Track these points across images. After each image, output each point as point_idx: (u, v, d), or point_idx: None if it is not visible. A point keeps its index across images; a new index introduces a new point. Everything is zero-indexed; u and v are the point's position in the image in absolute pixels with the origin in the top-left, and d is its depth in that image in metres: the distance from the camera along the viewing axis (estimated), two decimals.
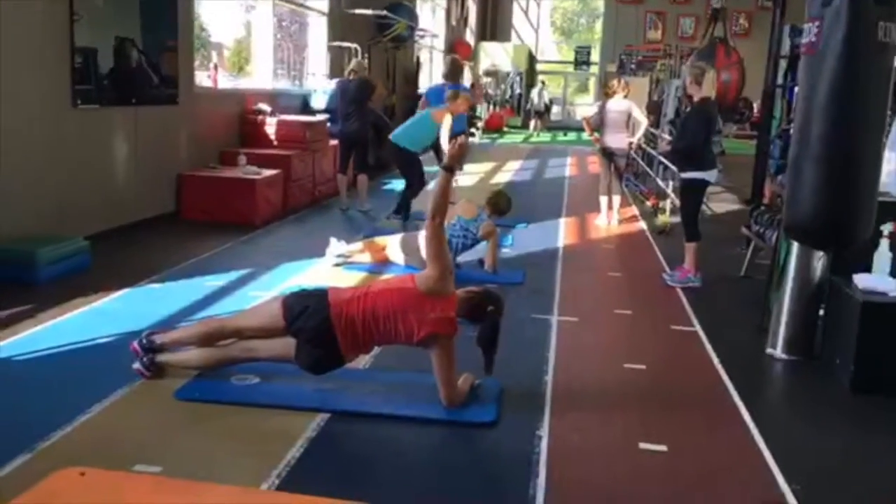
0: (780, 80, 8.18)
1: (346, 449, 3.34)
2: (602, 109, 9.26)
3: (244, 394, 3.75)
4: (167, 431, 3.38)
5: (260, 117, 9.41)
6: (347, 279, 6.03)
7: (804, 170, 3.86)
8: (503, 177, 12.72)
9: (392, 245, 6.47)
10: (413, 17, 15.80)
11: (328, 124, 10.18)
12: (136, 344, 3.91)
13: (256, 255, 6.65)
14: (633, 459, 3.34)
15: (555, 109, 30.63)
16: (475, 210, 6.40)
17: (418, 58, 18.28)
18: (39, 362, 4.07)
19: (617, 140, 9.07)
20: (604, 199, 9.08)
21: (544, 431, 3.52)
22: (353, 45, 12.09)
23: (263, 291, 5.51)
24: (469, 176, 13.15)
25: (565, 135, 25.94)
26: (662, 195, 10.92)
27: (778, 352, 4.72)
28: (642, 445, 3.43)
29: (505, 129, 26.04)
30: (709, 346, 4.83)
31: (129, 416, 3.50)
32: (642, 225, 9.30)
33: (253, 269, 6.15)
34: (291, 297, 3.79)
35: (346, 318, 3.64)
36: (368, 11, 13.18)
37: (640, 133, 9.50)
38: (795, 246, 4.62)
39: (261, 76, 10.80)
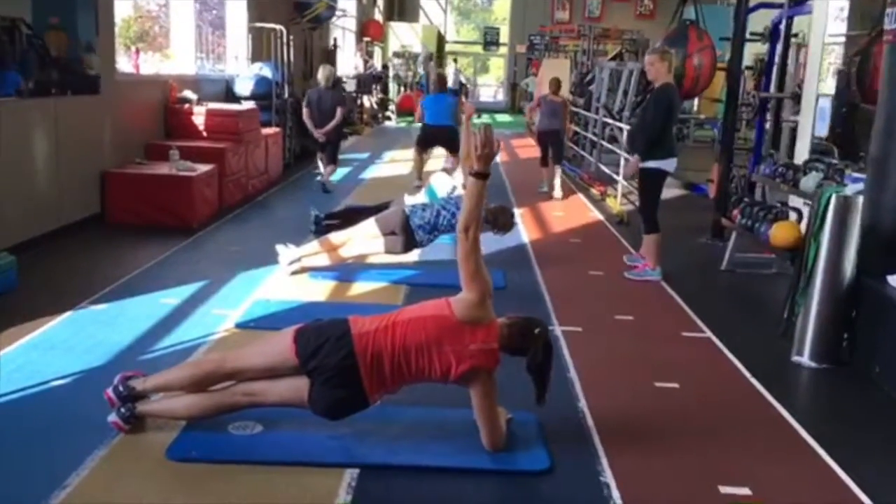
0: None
1: None
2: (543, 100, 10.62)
3: (250, 448, 3.16)
4: None
5: (186, 106, 8.60)
6: (317, 289, 5.46)
7: (892, 169, 3.50)
8: (435, 164, 12.15)
9: (362, 234, 5.88)
10: None
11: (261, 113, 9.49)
12: (110, 392, 3.25)
13: (205, 264, 5.96)
14: None
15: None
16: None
17: (335, 39, 17.51)
18: None
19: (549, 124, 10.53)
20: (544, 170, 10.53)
21: (608, 477, 3.08)
22: (277, 27, 11.30)
23: (229, 309, 4.88)
24: (398, 164, 12.61)
25: (479, 116, 25.53)
26: (607, 180, 10.71)
27: (805, 359, 4.43)
28: (723, 489, 3.03)
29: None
30: (731, 357, 4.49)
31: (117, 488, 2.86)
32: (597, 214, 8.99)
33: (207, 281, 5.47)
34: (305, 329, 3.20)
35: (373, 353, 3.09)
36: None
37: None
38: (824, 246, 4.31)
39: (182, 61, 9.93)
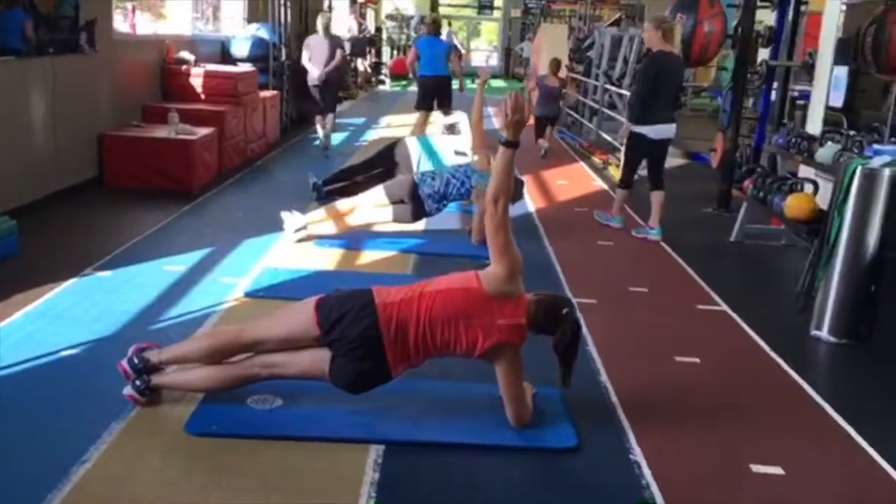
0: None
1: (425, 495, 2.73)
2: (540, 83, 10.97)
3: (271, 423, 3.07)
4: (192, 487, 2.66)
5: (184, 67, 8.40)
6: (324, 257, 5.36)
7: None
8: (433, 129, 12.01)
9: (369, 202, 5.77)
10: None
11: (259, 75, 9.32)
12: (125, 364, 3.16)
13: (208, 231, 5.83)
14: (756, 488, 2.88)
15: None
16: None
17: (331, 0, 17.16)
18: None
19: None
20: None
21: (637, 455, 3.02)
22: None
23: (236, 278, 4.78)
24: (395, 129, 12.44)
25: (473, 82, 25.23)
26: (608, 148, 10.61)
27: (825, 334, 4.37)
28: (755, 468, 2.97)
29: (410, 75, 25.13)
30: (749, 331, 4.43)
31: (138, 463, 2.77)
32: (601, 183, 8.89)
33: (211, 248, 5.36)
34: (327, 299, 3.10)
35: (398, 324, 3.00)
36: None
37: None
38: (848, 219, 4.24)
39: (179, 20, 9.69)
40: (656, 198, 6.39)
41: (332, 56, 9.30)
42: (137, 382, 3.12)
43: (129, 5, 8.47)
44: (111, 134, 6.98)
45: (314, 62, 9.32)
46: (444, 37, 21.29)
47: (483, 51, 38.01)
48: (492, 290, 3.05)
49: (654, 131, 6.29)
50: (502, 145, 3.11)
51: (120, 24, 8.15)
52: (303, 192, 6.90)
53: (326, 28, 9.47)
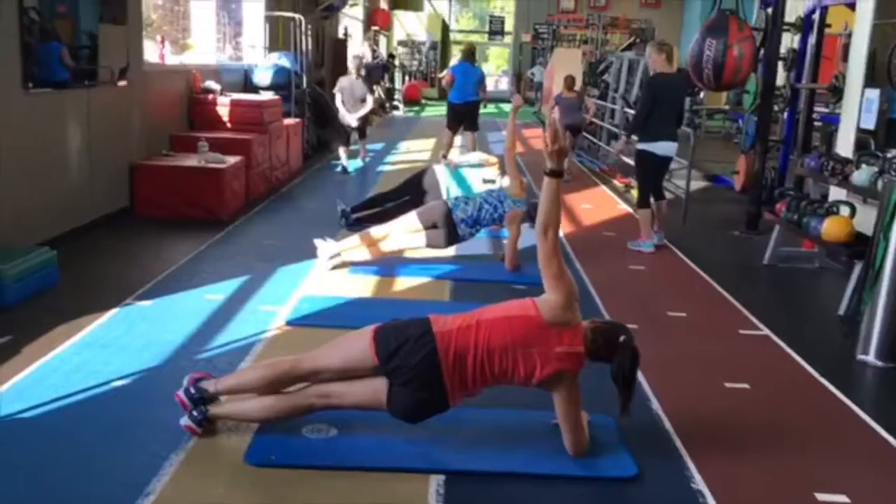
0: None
1: None
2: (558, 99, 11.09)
3: (330, 453, 3.06)
4: None
5: (210, 96, 8.47)
6: (360, 284, 5.36)
7: None
8: (453, 154, 12.07)
9: (403, 228, 5.77)
10: None
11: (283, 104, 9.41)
12: (181, 394, 3.16)
13: (242, 259, 5.84)
14: None
15: None
16: (524, 193, 5.83)
17: (346, 28, 17.34)
18: (54, 419, 3.24)
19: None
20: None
21: (699, 483, 2.99)
22: (296, 16, 11.16)
23: (276, 306, 4.78)
24: (415, 153, 12.52)
25: (485, 107, 25.34)
26: (630, 171, 10.62)
27: (871, 358, 4.34)
28: (820, 496, 2.94)
29: (423, 101, 25.30)
30: (795, 356, 4.40)
31: (202, 496, 2.75)
32: (625, 207, 8.90)
33: (248, 276, 5.37)
34: (384, 329, 3.09)
35: (456, 353, 3.00)
36: None
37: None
38: (893, 242, 4.22)
39: (204, 50, 9.79)
40: (658, 206, 6.78)
41: (363, 100, 10.21)
42: (195, 413, 3.12)
43: (158, 36, 8.53)
44: (142, 164, 7.03)
45: (347, 104, 10.20)
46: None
47: (491, 76, 38.22)
48: (550, 318, 3.04)
49: (660, 148, 6.61)
50: (546, 175, 3.10)
51: (149, 54, 8.20)
52: (330, 219, 6.92)
53: (359, 70, 10.39)
